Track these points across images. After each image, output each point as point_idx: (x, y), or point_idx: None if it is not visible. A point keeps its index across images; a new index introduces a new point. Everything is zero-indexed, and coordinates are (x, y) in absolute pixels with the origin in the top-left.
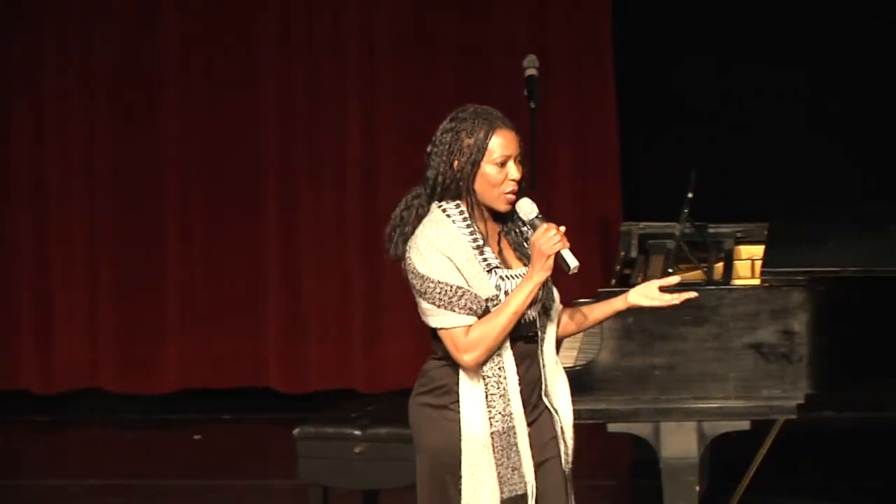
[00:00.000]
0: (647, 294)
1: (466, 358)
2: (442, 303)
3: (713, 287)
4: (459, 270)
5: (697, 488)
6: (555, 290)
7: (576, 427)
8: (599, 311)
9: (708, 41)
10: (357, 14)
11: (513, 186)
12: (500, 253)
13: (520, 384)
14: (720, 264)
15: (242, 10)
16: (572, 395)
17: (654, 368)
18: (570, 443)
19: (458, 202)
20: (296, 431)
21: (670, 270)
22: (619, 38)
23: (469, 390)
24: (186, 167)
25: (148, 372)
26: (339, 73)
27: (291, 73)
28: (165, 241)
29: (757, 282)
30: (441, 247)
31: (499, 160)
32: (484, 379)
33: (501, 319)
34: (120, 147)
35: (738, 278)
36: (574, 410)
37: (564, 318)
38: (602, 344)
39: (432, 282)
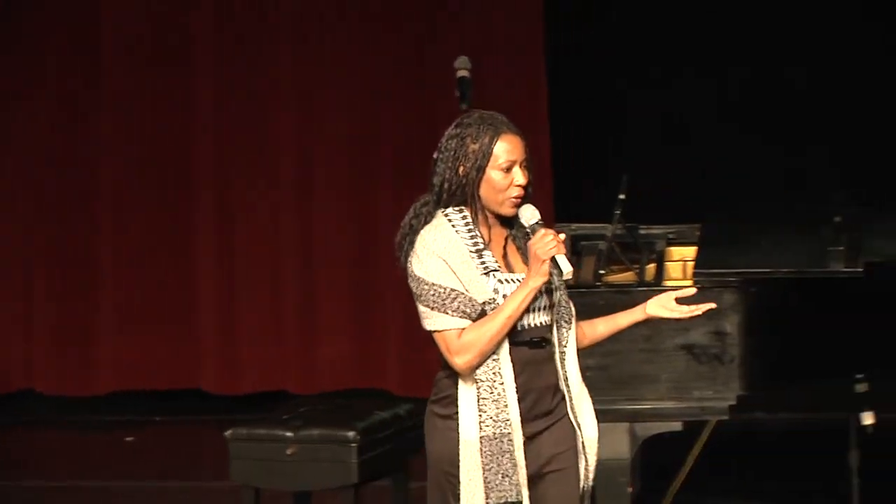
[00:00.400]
0: (665, 306)
1: (458, 361)
2: (435, 305)
3: (645, 288)
4: (455, 273)
5: (629, 489)
6: (571, 305)
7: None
8: (614, 322)
9: (643, 44)
10: (294, 17)
11: (518, 191)
12: (504, 257)
13: (519, 391)
14: (652, 266)
15: (178, 9)
16: None
17: (587, 370)
18: (593, 458)
19: (462, 207)
20: (228, 433)
21: (602, 272)
22: (552, 38)
23: (464, 394)
24: (121, 170)
25: (81, 374)
26: (274, 78)
27: (227, 76)
28: (99, 244)
29: (689, 283)
30: (437, 249)
31: (504, 165)
32: (477, 383)
33: (495, 323)
34: (54, 150)
35: (670, 279)
36: None
37: (586, 331)
38: None
39: (426, 284)
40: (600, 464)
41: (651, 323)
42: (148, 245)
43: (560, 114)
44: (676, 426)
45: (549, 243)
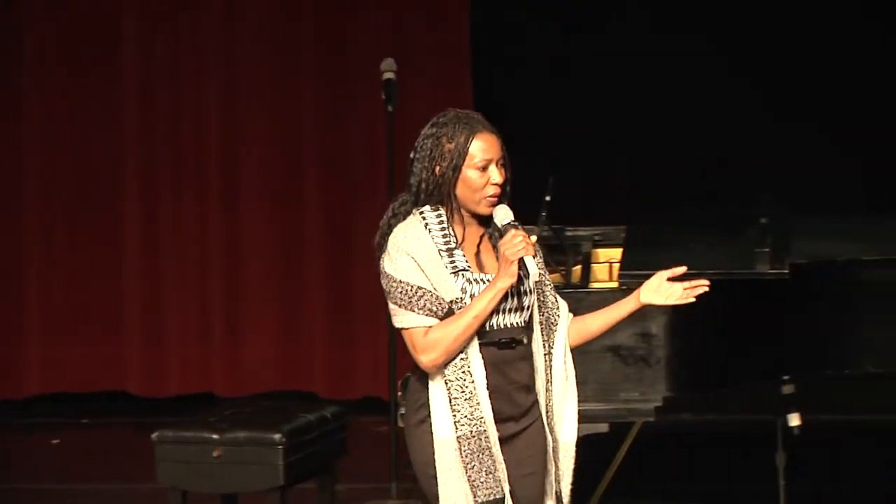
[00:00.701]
0: (658, 291)
1: (423, 358)
2: (402, 302)
3: (571, 290)
4: (423, 271)
5: None
6: (562, 302)
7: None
8: (607, 316)
9: (567, 48)
10: (218, 20)
11: (495, 190)
12: (477, 256)
13: (489, 390)
14: (578, 267)
15: (105, 14)
16: None
17: None
18: (567, 464)
19: (438, 206)
20: (154, 435)
21: None
22: (477, 40)
23: (436, 395)
24: (48, 172)
25: (8, 376)
26: (199, 79)
27: (152, 79)
28: (26, 246)
29: (615, 284)
30: (406, 247)
31: (480, 164)
32: (447, 383)
33: (462, 323)
34: None
35: (596, 281)
36: None
37: (578, 328)
38: None
39: (395, 281)
40: None
41: None
42: (73, 247)
43: (487, 111)
44: (603, 428)
45: (517, 245)
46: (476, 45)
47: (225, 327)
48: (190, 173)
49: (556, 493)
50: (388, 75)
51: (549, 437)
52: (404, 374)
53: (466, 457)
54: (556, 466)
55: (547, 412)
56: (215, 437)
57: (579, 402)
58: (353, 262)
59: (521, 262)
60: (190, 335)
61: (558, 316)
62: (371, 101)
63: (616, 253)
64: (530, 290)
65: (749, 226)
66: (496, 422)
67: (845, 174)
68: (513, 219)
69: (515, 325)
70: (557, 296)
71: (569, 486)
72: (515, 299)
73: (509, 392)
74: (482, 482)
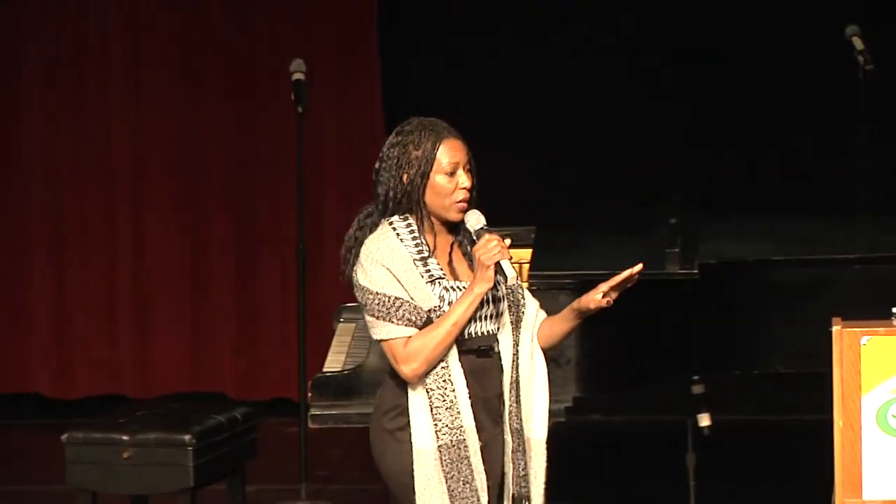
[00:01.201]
0: (591, 298)
1: (405, 369)
2: (381, 314)
3: None
4: (399, 281)
5: None
6: (530, 300)
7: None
8: (565, 321)
9: (479, 46)
10: (125, 19)
11: (464, 195)
12: (450, 264)
13: (472, 398)
14: None
15: (4, 13)
16: (342, 399)
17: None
18: (539, 462)
19: (408, 215)
20: (64, 437)
21: None
22: (386, 40)
23: (416, 404)
24: None
25: None
26: (105, 80)
27: (57, 80)
28: None
29: (525, 285)
30: (381, 258)
31: (448, 169)
32: (428, 392)
33: (441, 331)
34: None
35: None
36: (346, 414)
37: (544, 327)
38: (370, 348)
39: (371, 293)
40: None
41: None
42: None
43: (395, 114)
44: None
45: (492, 249)
46: (384, 49)
47: (134, 328)
48: (97, 174)
49: (517, 494)
50: (298, 76)
51: (509, 439)
52: (314, 376)
53: (446, 467)
54: (526, 466)
55: (509, 412)
56: (125, 438)
57: None
58: (263, 263)
59: (497, 265)
60: (99, 336)
61: (524, 313)
62: (280, 102)
63: (526, 254)
64: (504, 296)
65: (659, 226)
66: (479, 431)
67: (755, 175)
68: (485, 223)
69: (490, 332)
70: (525, 293)
71: (542, 486)
72: (492, 305)
73: (486, 400)
74: (460, 492)
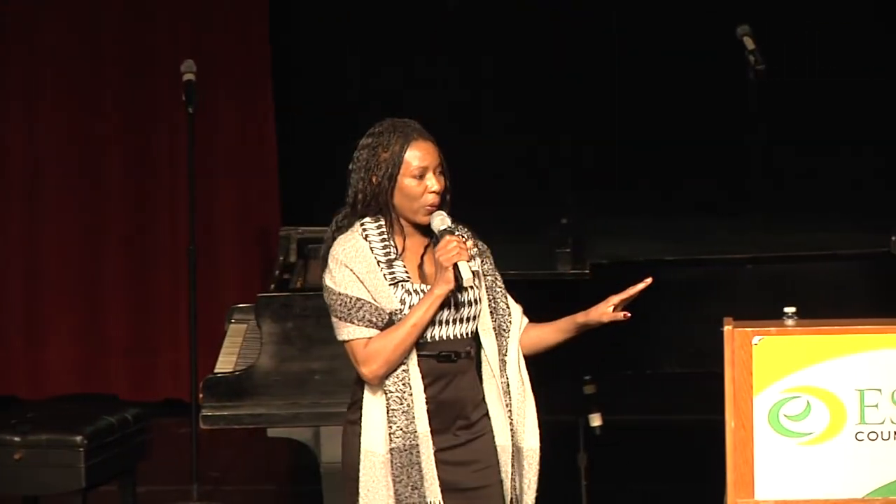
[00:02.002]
0: (603, 311)
1: (365, 370)
2: (342, 315)
3: None
4: (362, 282)
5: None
6: (514, 307)
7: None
8: (562, 329)
9: (374, 44)
10: (20, 20)
11: (433, 198)
12: (420, 267)
13: (430, 403)
14: None
15: None
16: (233, 400)
17: (314, 373)
18: (532, 471)
19: (379, 217)
20: None
21: None
22: (279, 39)
23: (371, 404)
24: None
25: None
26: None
27: None
28: None
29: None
30: (345, 259)
31: (416, 172)
32: (386, 394)
33: (400, 332)
34: None
35: None
36: (238, 415)
37: (532, 335)
38: (262, 349)
39: (335, 294)
40: (330, 466)
41: None
42: None
43: (287, 117)
44: None
45: (451, 250)
46: (275, 47)
47: (25, 329)
48: None
49: (514, 500)
50: (189, 77)
51: (508, 444)
52: (206, 377)
53: (396, 470)
54: (519, 475)
55: (501, 421)
56: (17, 439)
57: None
58: (154, 265)
59: (455, 267)
60: None
61: (510, 322)
62: (173, 102)
63: None
64: (476, 300)
65: (550, 226)
66: (437, 433)
67: (647, 175)
68: (449, 225)
69: (460, 336)
70: (511, 301)
71: (534, 494)
72: (453, 310)
73: (455, 405)
74: (408, 497)
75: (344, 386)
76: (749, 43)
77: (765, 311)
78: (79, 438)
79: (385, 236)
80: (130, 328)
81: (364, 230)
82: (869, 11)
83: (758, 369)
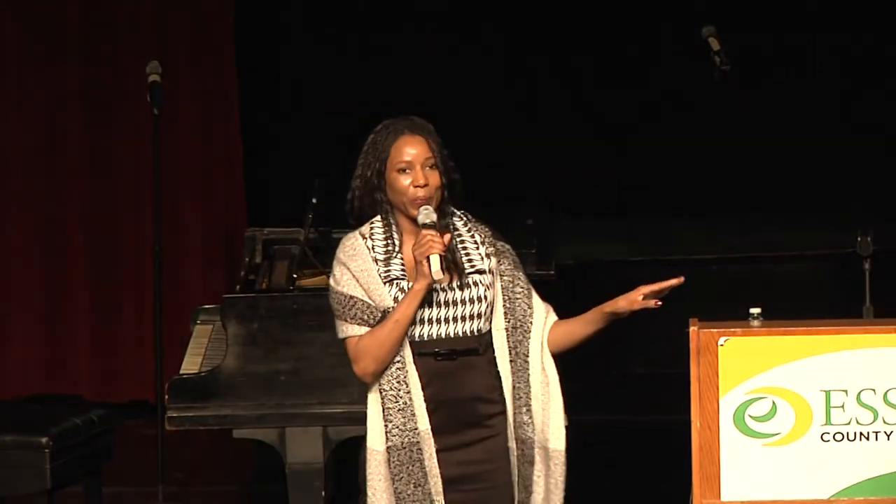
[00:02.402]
0: (627, 299)
1: (356, 368)
2: (339, 313)
3: None
4: (357, 280)
5: (323, 493)
6: (538, 307)
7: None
8: (588, 324)
9: (338, 45)
10: None
11: (422, 192)
12: (419, 264)
13: (429, 402)
14: None
15: None
16: (199, 401)
17: (279, 374)
18: (559, 472)
19: (386, 215)
20: None
21: (295, 276)
22: (244, 40)
23: (371, 404)
24: None
25: None
26: None
27: None
28: None
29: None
30: (343, 258)
31: (401, 167)
32: (381, 393)
33: (384, 329)
34: None
35: None
36: (203, 416)
37: (559, 331)
38: (227, 350)
39: (334, 292)
40: (295, 466)
41: None
42: None
43: (253, 117)
44: None
45: (424, 244)
46: (241, 47)
47: None
48: None
49: (521, 502)
50: (154, 78)
51: (514, 446)
52: (171, 378)
53: (395, 468)
54: (545, 476)
55: (515, 421)
56: None
57: (346, 404)
58: (119, 264)
59: (429, 262)
60: None
61: (531, 322)
62: (137, 103)
63: None
64: (478, 298)
65: (515, 227)
66: (440, 434)
67: (612, 175)
68: (434, 220)
69: (462, 334)
70: (535, 300)
71: (562, 494)
72: (446, 308)
73: (459, 403)
74: (409, 494)
75: (308, 387)
76: (714, 44)
77: (730, 312)
78: (44, 440)
79: (387, 233)
80: (95, 329)
81: (371, 229)
82: (842, 12)
83: (724, 370)
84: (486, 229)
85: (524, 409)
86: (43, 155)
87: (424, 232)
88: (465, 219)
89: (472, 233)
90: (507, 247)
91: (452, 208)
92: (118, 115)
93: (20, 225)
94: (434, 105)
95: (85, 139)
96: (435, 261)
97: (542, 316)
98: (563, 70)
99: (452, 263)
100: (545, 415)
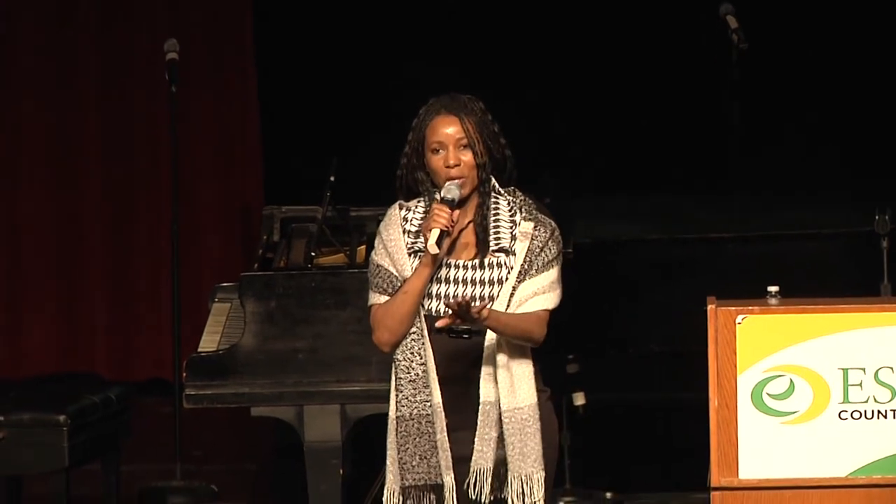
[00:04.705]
0: None
1: (374, 337)
2: (370, 281)
3: (356, 270)
4: (387, 250)
5: (341, 471)
6: (508, 287)
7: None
8: None
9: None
10: None
11: (453, 172)
12: (455, 240)
13: (442, 377)
14: (363, 248)
15: None
16: (217, 379)
17: (297, 352)
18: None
19: (426, 193)
20: None
21: (313, 254)
22: (262, 18)
23: (392, 375)
24: None
25: None
26: None
27: None
28: None
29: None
30: (381, 229)
31: (433, 147)
32: (395, 362)
33: (395, 299)
34: None
35: None
36: (221, 395)
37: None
38: (245, 328)
39: (371, 261)
40: (313, 445)
41: (361, 305)
42: None
43: (271, 93)
44: (387, 408)
45: (431, 217)
46: (259, 23)
47: (5, 309)
48: None
49: (497, 458)
50: (171, 56)
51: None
52: (189, 356)
53: (401, 438)
54: (499, 434)
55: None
56: None
57: (363, 382)
58: (136, 242)
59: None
60: None
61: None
62: (155, 81)
63: None
64: (501, 280)
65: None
66: (452, 411)
67: (630, 155)
68: (453, 196)
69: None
70: (541, 288)
71: (538, 450)
72: (459, 286)
73: (465, 383)
74: (413, 466)
75: (325, 365)
76: (732, 22)
77: (748, 291)
78: (62, 418)
79: (428, 210)
80: (113, 308)
81: (418, 203)
82: None
83: (741, 348)
84: (539, 216)
85: (494, 382)
86: (59, 134)
87: (435, 206)
88: (511, 200)
89: (513, 214)
90: (547, 236)
91: (499, 188)
92: (136, 94)
93: (37, 204)
94: (448, 82)
95: (102, 119)
96: (433, 234)
97: (508, 291)
98: (580, 47)
99: (483, 244)
100: (507, 378)
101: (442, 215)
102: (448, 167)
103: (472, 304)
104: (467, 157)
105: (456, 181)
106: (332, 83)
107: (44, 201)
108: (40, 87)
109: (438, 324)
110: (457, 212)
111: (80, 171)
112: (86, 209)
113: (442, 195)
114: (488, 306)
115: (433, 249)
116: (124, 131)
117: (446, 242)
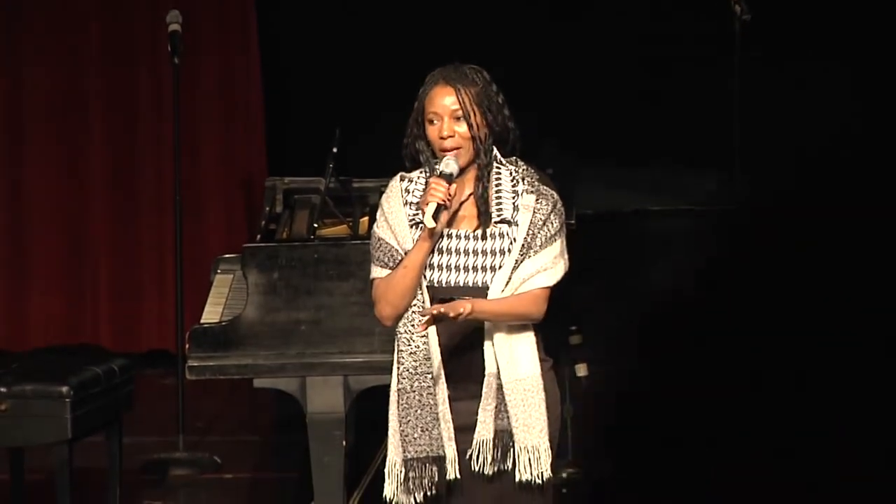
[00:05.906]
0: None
1: (375, 310)
2: (371, 254)
3: (359, 241)
4: (388, 223)
5: (344, 443)
6: (510, 262)
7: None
8: None
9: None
10: None
11: (450, 143)
12: (457, 212)
13: (442, 350)
14: (365, 219)
15: None
16: (220, 350)
17: (300, 323)
18: (536, 397)
19: (427, 162)
20: None
21: (316, 225)
22: None
23: (395, 344)
24: None
25: None
26: None
27: None
28: None
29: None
30: (383, 201)
31: (429, 118)
32: (397, 334)
33: (396, 272)
34: None
35: None
36: (224, 366)
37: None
38: (248, 299)
39: (372, 235)
40: (316, 416)
41: (363, 276)
42: None
43: (273, 66)
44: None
45: (428, 191)
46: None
47: (7, 279)
48: None
49: (497, 428)
50: (174, 27)
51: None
52: (192, 327)
53: (402, 410)
54: (502, 403)
55: (489, 369)
56: (2, 390)
57: (366, 353)
58: (139, 212)
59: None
60: None
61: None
62: (158, 52)
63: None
64: (502, 251)
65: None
66: (454, 382)
67: (632, 126)
68: (452, 170)
69: (483, 284)
70: (543, 265)
71: (542, 420)
72: (463, 256)
73: (467, 356)
74: (415, 439)
75: (328, 337)
76: None
77: None
78: (65, 389)
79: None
80: (115, 279)
81: (420, 173)
82: None
83: None
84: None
85: (495, 358)
86: (63, 104)
87: (432, 179)
88: (514, 170)
89: (515, 184)
90: (549, 210)
91: (501, 158)
92: (139, 65)
93: (39, 174)
94: (449, 50)
95: (105, 89)
96: (430, 208)
97: (510, 266)
98: (584, 17)
99: (485, 216)
100: (510, 352)
101: (439, 189)
102: (441, 138)
103: (448, 311)
104: (462, 128)
105: (452, 155)
106: (335, 54)
107: (46, 172)
108: (45, 53)
109: (420, 328)
110: (454, 186)
111: (84, 142)
112: (89, 181)
113: (440, 169)
114: (466, 307)
115: (430, 223)
116: (129, 102)
117: (445, 215)
